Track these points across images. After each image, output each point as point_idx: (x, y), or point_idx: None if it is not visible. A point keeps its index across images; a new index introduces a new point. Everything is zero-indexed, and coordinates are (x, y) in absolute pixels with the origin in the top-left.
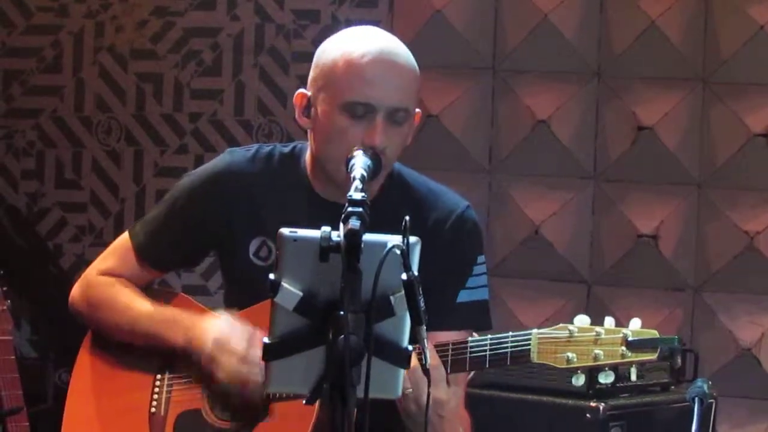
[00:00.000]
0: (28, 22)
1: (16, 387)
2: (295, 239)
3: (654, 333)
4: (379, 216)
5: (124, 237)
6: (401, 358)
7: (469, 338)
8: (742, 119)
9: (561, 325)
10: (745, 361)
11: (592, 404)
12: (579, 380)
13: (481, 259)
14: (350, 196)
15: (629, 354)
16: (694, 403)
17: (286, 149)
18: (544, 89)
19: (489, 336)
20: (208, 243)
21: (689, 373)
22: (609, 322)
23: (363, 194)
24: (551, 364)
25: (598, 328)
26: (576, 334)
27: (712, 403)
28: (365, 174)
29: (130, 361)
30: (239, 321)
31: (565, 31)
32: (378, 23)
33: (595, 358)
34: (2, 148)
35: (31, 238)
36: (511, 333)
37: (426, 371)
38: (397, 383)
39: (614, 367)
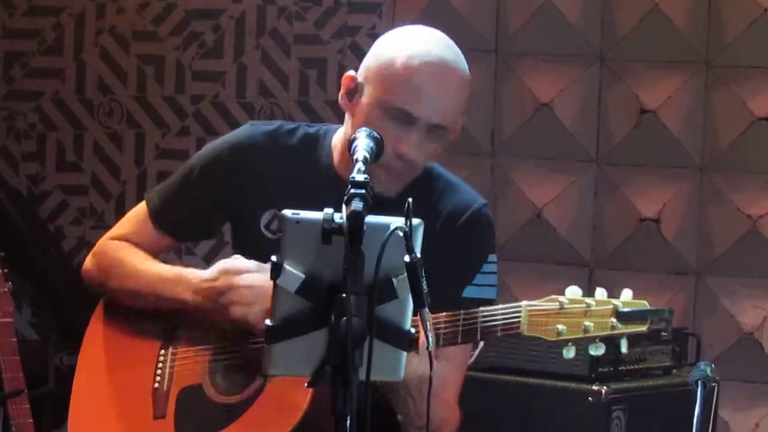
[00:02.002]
0: (29, 4)
1: (17, 369)
2: (298, 221)
3: (644, 304)
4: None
5: (140, 205)
6: (403, 341)
7: (461, 311)
8: (746, 103)
9: (552, 296)
10: (748, 345)
11: (594, 388)
12: (570, 352)
13: (492, 258)
14: (352, 177)
15: (619, 326)
16: (696, 386)
17: (311, 129)
18: (547, 72)
19: (480, 309)
20: (222, 212)
21: (692, 357)
22: (600, 293)
23: (365, 176)
24: (542, 336)
25: (588, 300)
26: (566, 306)
27: (714, 386)
28: (368, 156)
29: (137, 334)
30: (235, 261)
31: (568, 14)
32: (380, 5)
33: (585, 330)
34: (3, 131)
35: (32, 221)
36: (501, 306)
37: (429, 353)
38: (400, 365)
39: (605, 339)
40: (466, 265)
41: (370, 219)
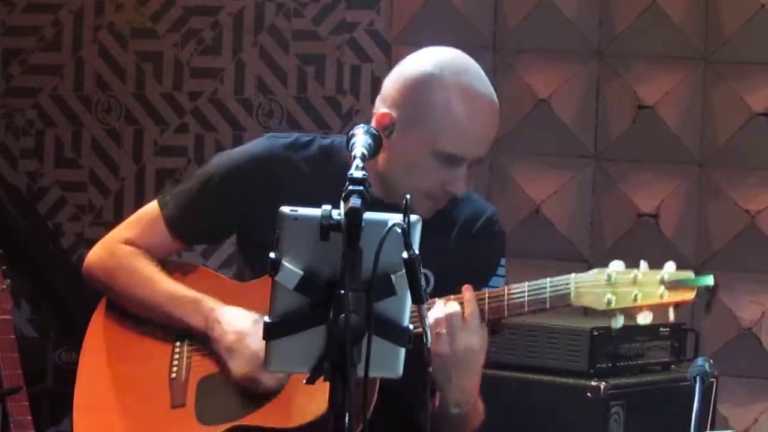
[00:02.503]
0: (27, 1)
1: (16, 366)
2: (296, 218)
3: (690, 274)
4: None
5: (152, 207)
6: (402, 337)
7: (506, 286)
8: (744, 98)
9: (598, 269)
10: (746, 341)
11: (593, 383)
12: (618, 322)
13: (503, 261)
14: (351, 174)
15: (668, 294)
16: (695, 382)
17: (326, 141)
18: (545, 68)
19: (526, 282)
20: (237, 222)
21: (690, 352)
22: (644, 265)
23: (364, 172)
24: (591, 306)
25: (635, 271)
26: (614, 277)
27: (713, 382)
28: (366, 153)
29: (147, 328)
30: (258, 317)
31: (566, 10)
32: (378, 1)
33: (635, 298)
34: (2, 127)
35: (31, 218)
36: (549, 279)
37: (427, 349)
38: (398, 362)
39: (652, 308)
40: (483, 270)
41: (368, 215)
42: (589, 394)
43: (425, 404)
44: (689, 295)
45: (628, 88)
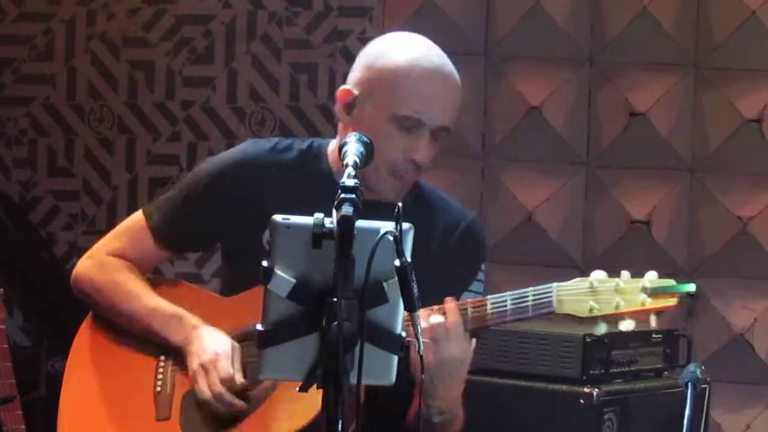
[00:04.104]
0: (19, 10)
1: (9, 375)
2: (288, 226)
3: (671, 282)
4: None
5: (138, 217)
6: (394, 344)
7: (489, 296)
8: (735, 104)
9: (579, 278)
10: (738, 346)
11: (586, 390)
12: (600, 329)
13: (484, 266)
14: (342, 182)
15: (650, 301)
16: (687, 388)
17: (304, 144)
18: (537, 75)
19: (508, 292)
20: (224, 229)
21: (682, 358)
22: (625, 275)
23: (356, 180)
24: (574, 313)
25: (617, 279)
26: (596, 285)
27: (705, 388)
28: (358, 161)
29: (132, 342)
30: (234, 348)
31: (557, 17)
32: (370, 9)
33: (617, 306)
34: None
35: (24, 227)
36: (531, 288)
37: (420, 357)
38: (391, 369)
39: (634, 315)
40: (464, 275)
41: (360, 223)
42: (582, 400)
43: (419, 410)
44: (671, 302)
45: (619, 94)
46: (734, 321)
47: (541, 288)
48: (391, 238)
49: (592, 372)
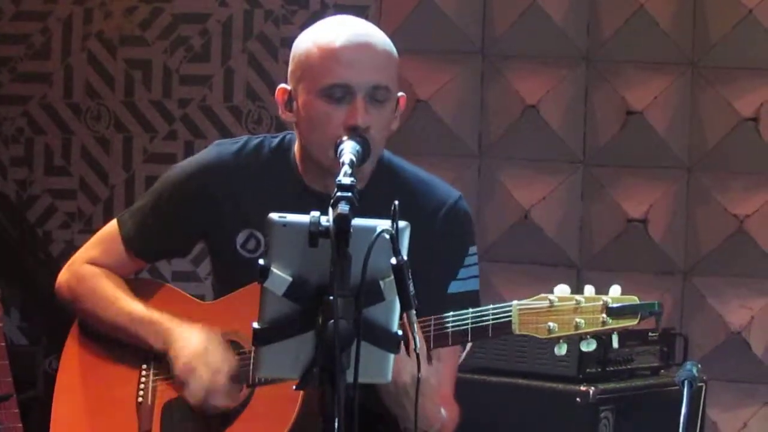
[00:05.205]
0: (16, 9)
1: (6, 374)
2: (285, 224)
3: (634, 299)
4: (369, 205)
5: (112, 226)
6: (391, 343)
7: (450, 313)
8: (731, 103)
9: (541, 295)
10: (735, 345)
11: (582, 388)
12: (561, 349)
13: (472, 249)
14: (339, 181)
15: (610, 321)
16: (683, 386)
17: (275, 141)
18: (533, 74)
19: (470, 309)
20: (195, 235)
21: (679, 357)
22: (589, 290)
23: (352, 179)
24: (533, 334)
25: (578, 297)
26: (556, 304)
27: (701, 386)
28: (354, 159)
29: (116, 352)
30: (217, 340)
31: (554, 15)
32: (367, 8)
33: (576, 326)
34: None
35: (21, 225)
36: (491, 305)
37: (417, 355)
38: (387, 367)
39: (596, 335)
40: (449, 260)
41: (357, 222)
42: (578, 399)
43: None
44: (632, 322)
45: (616, 93)
46: (731, 319)
47: (502, 306)
48: (387, 236)
49: (588, 370)
